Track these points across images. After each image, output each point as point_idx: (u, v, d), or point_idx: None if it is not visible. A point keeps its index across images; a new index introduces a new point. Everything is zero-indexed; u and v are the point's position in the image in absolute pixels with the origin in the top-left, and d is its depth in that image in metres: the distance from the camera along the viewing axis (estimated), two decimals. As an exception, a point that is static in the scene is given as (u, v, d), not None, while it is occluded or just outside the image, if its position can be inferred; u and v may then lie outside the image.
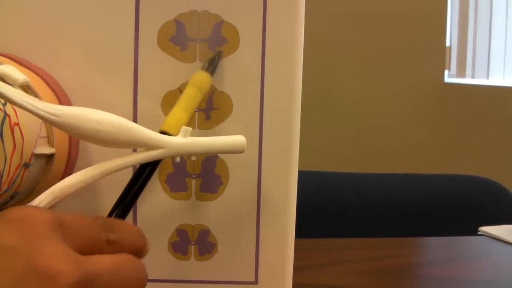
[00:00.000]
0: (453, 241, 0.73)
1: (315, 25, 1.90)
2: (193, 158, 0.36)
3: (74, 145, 0.39)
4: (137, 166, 0.35)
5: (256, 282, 0.42)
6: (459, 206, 1.08)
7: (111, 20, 0.39)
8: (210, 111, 0.40)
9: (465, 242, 0.72)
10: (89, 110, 0.32)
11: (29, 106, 0.30)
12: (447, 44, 2.06)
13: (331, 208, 1.05)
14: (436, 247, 0.68)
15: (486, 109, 2.03)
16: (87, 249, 0.28)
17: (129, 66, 0.39)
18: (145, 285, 0.29)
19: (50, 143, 0.36)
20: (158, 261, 0.41)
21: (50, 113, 0.31)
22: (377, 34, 1.96)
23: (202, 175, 0.40)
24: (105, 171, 0.33)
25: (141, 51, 0.39)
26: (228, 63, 0.40)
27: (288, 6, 0.39)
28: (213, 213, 0.41)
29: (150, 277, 0.40)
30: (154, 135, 0.34)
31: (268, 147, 0.40)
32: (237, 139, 0.36)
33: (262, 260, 0.41)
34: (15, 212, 0.26)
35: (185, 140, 0.35)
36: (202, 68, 0.38)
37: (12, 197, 0.34)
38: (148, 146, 0.34)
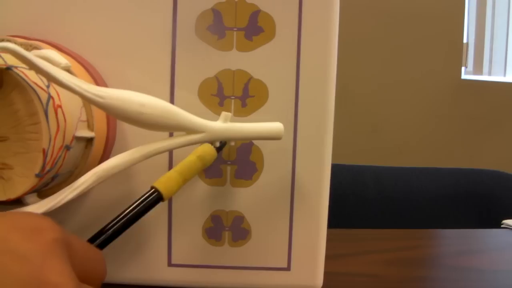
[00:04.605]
0: (477, 233, 0.73)
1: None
2: (232, 143, 0.37)
3: (112, 130, 0.39)
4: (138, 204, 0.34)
5: (288, 268, 0.42)
6: (480, 200, 1.08)
7: (149, 10, 0.40)
8: (246, 99, 0.40)
9: (489, 234, 0.72)
10: (133, 93, 0.32)
11: (75, 87, 0.31)
12: (464, 40, 2.05)
13: (352, 201, 1.06)
14: (460, 239, 0.68)
15: (503, 105, 2.02)
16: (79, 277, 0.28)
17: (167, 54, 0.40)
18: None
19: (89, 127, 0.37)
20: (192, 246, 0.42)
21: (96, 95, 0.31)
22: (394, 30, 1.96)
23: (237, 161, 0.41)
24: (147, 154, 0.34)
25: (179, 40, 0.40)
26: (264, 52, 0.40)
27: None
28: (247, 199, 0.41)
29: (183, 262, 0.40)
30: (195, 119, 0.34)
31: (302, 134, 0.41)
32: (275, 126, 0.37)
33: (295, 246, 0.42)
34: (29, 221, 0.26)
35: (225, 125, 0.35)
36: (212, 144, 0.38)
37: (52, 179, 0.34)
38: (189, 130, 0.34)
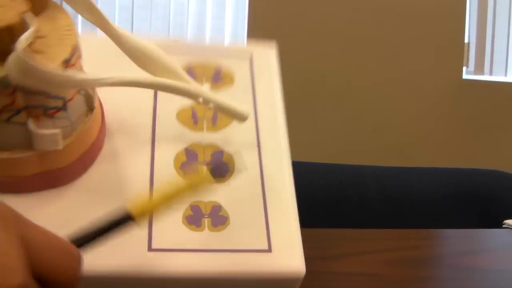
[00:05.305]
0: (479, 233, 0.73)
1: (334, 23, 1.89)
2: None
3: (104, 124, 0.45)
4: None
5: (270, 250, 0.44)
6: (481, 200, 1.08)
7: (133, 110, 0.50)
8: (217, 120, 0.49)
9: (491, 234, 0.72)
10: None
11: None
12: (466, 40, 2.04)
13: (353, 201, 1.05)
14: (462, 239, 0.68)
15: (504, 105, 2.01)
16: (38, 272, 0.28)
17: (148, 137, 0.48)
18: None
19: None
20: (173, 232, 0.43)
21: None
22: (395, 30, 1.95)
23: (212, 163, 0.46)
24: (150, 84, 0.42)
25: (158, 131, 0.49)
26: (228, 93, 0.52)
27: (266, 58, 0.55)
28: (223, 192, 0.45)
29: (166, 247, 0.43)
30: (185, 73, 0.44)
31: (264, 145, 0.49)
32: (244, 108, 0.46)
33: (273, 230, 0.44)
34: None
35: (207, 89, 0.46)
36: (209, 171, 0.41)
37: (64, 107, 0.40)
38: (181, 79, 0.43)
